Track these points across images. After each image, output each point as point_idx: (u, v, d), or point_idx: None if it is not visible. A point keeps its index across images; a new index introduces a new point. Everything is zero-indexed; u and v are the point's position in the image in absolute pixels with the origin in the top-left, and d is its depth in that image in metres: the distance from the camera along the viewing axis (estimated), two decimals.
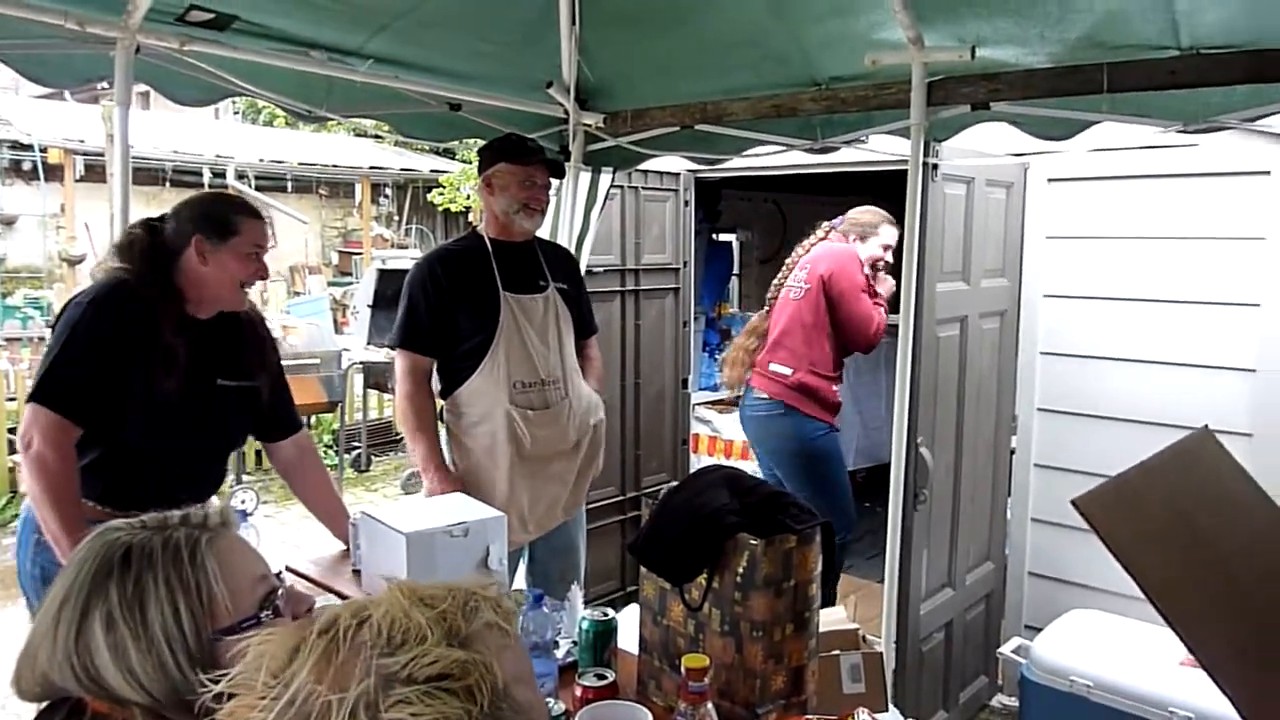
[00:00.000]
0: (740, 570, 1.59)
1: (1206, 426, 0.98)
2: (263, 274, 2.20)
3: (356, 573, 2.29)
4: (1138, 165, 3.26)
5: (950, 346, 3.05)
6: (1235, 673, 0.72)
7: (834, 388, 3.57)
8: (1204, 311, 3.19)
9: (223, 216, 2.13)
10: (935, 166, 2.76)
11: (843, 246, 3.58)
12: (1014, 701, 3.22)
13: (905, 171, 2.68)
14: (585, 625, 1.78)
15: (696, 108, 3.09)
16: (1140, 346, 3.33)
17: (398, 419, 3.07)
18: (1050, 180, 3.47)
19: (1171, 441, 3.16)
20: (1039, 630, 3.07)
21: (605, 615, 1.81)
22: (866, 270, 3.55)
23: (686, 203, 4.38)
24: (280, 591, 1.09)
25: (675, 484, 1.78)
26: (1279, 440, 2.86)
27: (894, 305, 2.83)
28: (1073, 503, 0.75)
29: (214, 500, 1.19)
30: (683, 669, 1.46)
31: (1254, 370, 3.09)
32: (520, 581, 2.86)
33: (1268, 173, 3.04)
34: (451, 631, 0.68)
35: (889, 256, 3.51)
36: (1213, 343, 3.18)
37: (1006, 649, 3.26)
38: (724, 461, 4.64)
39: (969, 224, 3.06)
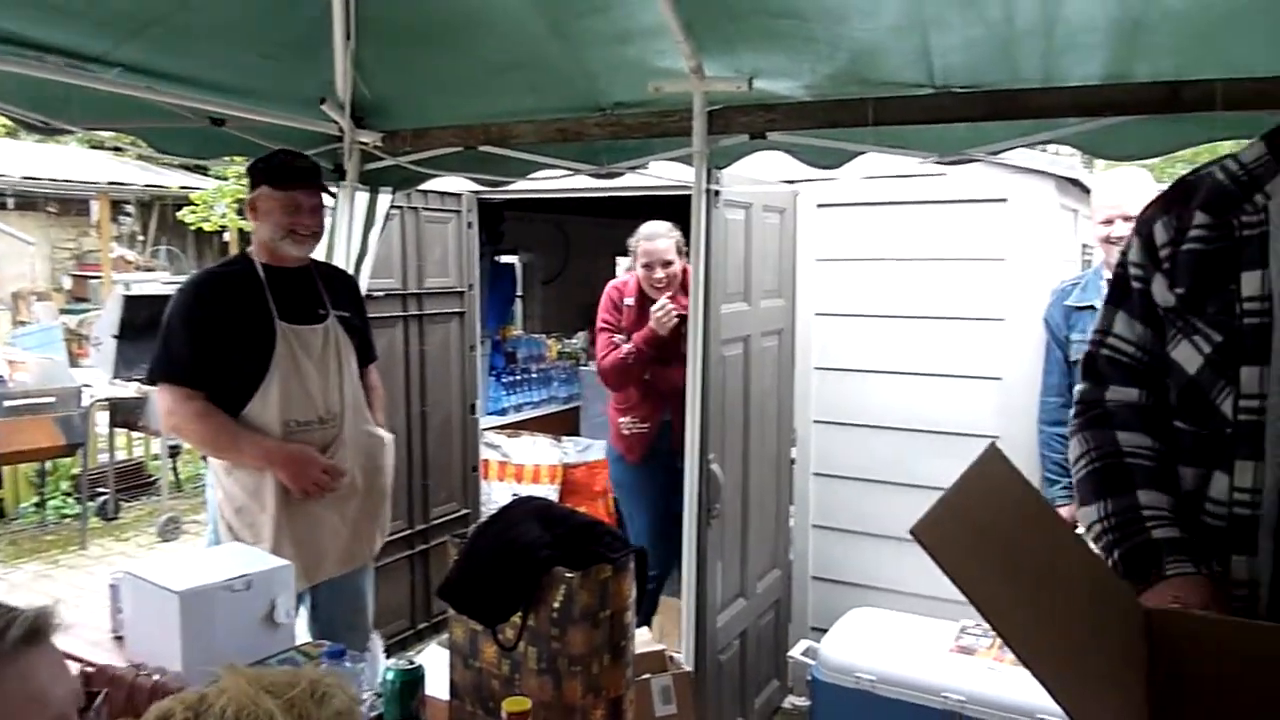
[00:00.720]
0: (556, 605, 1.55)
1: (994, 443, 1.05)
2: None
3: (119, 639, 2.05)
4: (895, 192, 3.54)
5: (735, 365, 3.16)
6: (1060, 673, 0.77)
7: (621, 419, 3.67)
8: (956, 326, 3.49)
9: None
10: (717, 193, 2.85)
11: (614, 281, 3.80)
12: (805, 702, 3.36)
13: (687, 197, 2.77)
14: (390, 676, 1.67)
15: (480, 129, 3.04)
16: (903, 359, 3.60)
17: (199, 448, 2.78)
18: (819, 206, 3.70)
19: (934, 446, 3.44)
20: (824, 631, 3.23)
21: (411, 664, 1.71)
22: (628, 301, 3.63)
23: (469, 224, 4.30)
24: None
25: (484, 520, 1.71)
26: (1022, 441, 3.17)
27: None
28: (911, 532, 0.77)
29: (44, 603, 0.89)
30: (504, 714, 1.40)
31: (1000, 379, 3.42)
32: (304, 632, 2.65)
33: (1005, 200, 3.38)
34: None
35: (659, 273, 3.53)
36: (965, 355, 3.49)
37: (796, 652, 3.41)
38: (515, 487, 4.58)
39: (749, 247, 3.19)
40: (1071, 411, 1.45)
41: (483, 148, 3.10)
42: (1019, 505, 1.06)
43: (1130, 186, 2.89)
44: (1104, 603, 1.07)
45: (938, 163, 2.71)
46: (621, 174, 3.22)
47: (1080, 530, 1.34)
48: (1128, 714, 0.91)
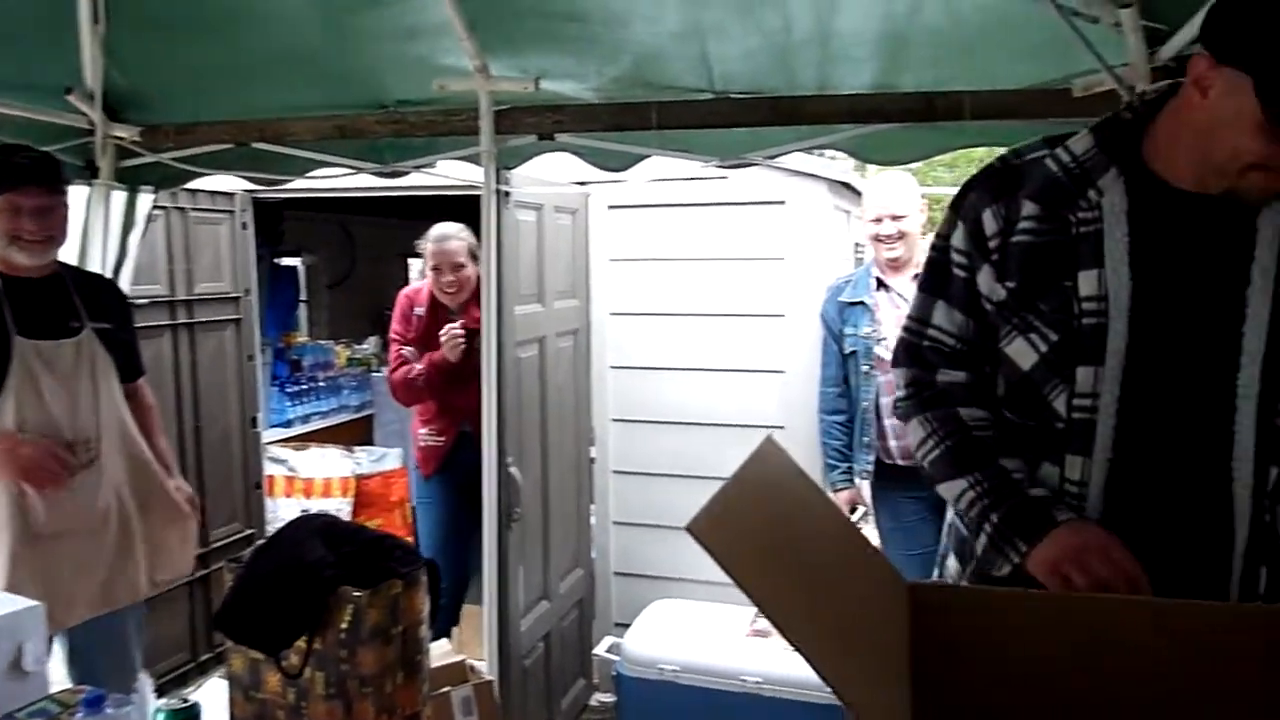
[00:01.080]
0: (344, 625, 1.48)
1: (770, 435, 1.08)
2: None
3: None
4: (682, 195, 3.64)
5: (531, 366, 3.14)
6: (831, 656, 0.81)
7: (421, 430, 3.52)
8: (742, 323, 3.64)
9: None
10: (507, 194, 2.83)
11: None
12: (611, 698, 3.40)
13: (477, 197, 2.73)
14: (160, 718, 1.54)
15: (253, 125, 2.87)
16: (694, 356, 3.71)
17: None
18: (610, 207, 3.75)
19: (724, 439, 3.56)
20: (628, 626, 3.27)
21: (185, 701, 1.57)
22: (419, 310, 3.46)
23: (244, 225, 4.04)
24: None
25: (262, 542, 1.61)
26: (804, 431, 3.34)
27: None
28: (687, 529, 0.78)
29: None
30: None
31: (783, 372, 3.59)
32: (61, 678, 2.39)
33: (783, 202, 3.55)
34: None
35: (448, 276, 3.39)
36: (750, 350, 3.64)
37: (600, 649, 3.45)
38: (305, 502, 4.35)
39: (541, 248, 3.17)
40: (901, 394, 1.42)
41: (256, 144, 2.92)
42: (794, 494, 1.11)
43: (897, 188, 3.11)
44: (872, 583, 1.13)
45: (719, 166, 2.80)
46: (407, 173, 3.13)
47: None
48: (894, 689, 0.97)
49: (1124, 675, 1.05)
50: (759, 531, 0.94)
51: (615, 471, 3.87)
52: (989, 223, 1.28)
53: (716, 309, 3.67)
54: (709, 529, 0.79)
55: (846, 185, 3.79)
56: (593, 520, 3.86)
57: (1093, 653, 1.06)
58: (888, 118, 2.49)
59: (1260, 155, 1.10)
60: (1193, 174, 1.20)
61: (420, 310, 3.47)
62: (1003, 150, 1.38)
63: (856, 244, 4.07)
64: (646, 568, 3.83)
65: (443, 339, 3.32)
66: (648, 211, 3.73)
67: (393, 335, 3.52)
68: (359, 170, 3.10)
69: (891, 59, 2.40)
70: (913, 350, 1.40)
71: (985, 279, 1.28)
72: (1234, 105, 1.10)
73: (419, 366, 3.38)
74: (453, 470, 3.47)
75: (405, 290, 3.61)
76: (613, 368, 3.82)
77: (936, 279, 1.36)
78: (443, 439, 3.47)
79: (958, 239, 1.32)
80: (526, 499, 3.03)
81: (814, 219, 3.58)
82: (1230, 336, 1.17)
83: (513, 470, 2.86)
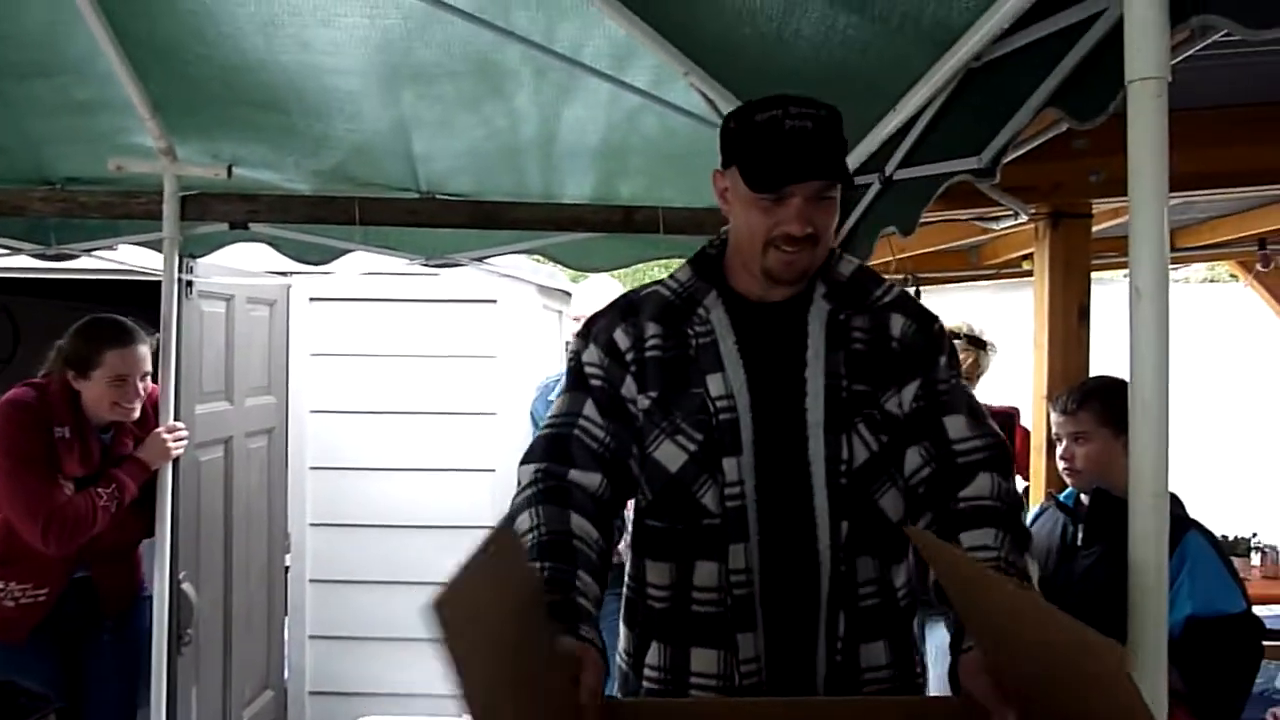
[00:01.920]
0: None
1: (499, 523, 1.05)
2: None
3: None
4: (392, 289, 3.56)
5: (215, 469, 2.89)
6: None
7: (7, 586, 2.38)
8: (453, 421, 3.58)
9: None
10: (190, 283, 2.63)
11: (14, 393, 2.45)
12: None
13: (159, 283, 2.52)
14: None
15: None
16: (401, 455, 3.59)
17: None
18: (312, 299, 3.58)
19: (434, 541, 3.44)
20: None
21: None
22: (62, 430, 2.37)
23: None
24: None
25: None
26: None
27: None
28: (431, 604, 0.71)
29: None
30: None
31: (494, 470, 3.55)
32: None
33: (495, 301, 3.57)
34: None
35: (134, 389, 2.42)
36: (461, 448, 3.58)
37: None
38: None
39: (230, 342, 2.97)
40: (526, 480, 1.37)
41: None
42: (523, 588, 1.07)
43: (605, 290, 3.23)
44: (571, 693, 1.10)
45: (424, 264, 2.78)
46: (76, 256, 2.84)
47: None
48: None
49: None
50: (490, 619, 0.88)
51: (313, 581, 3.61)
52: (621, 340, 1.39)
53: (426, 406, 3.58)
54: (449, 611, 0.72)
55: (558, 289, 3.88)
56: (286, 635, 3.56)
57: None
58: (591, 227, 2.60)
59: (766, 227, 1.29)
60: (746, 277, 1.38)
61: (65, 431, 2.38)
62: None
63: (567, 343, 4.16)
64: (347, 685, 3.57)
65: (170, 442, 2.47)
66: (354, 305, 3.61)
67: (25, 463, 2.34)
68: (16, 250, 2.78)
69: (611, 167, 2.48)
70: (557, 442, 1.38)
71: (629, 388, 1.38)
72: (738, 195, 1.32)
73: (109, 491, 2.38)
74: (52, 631, 2.42)
75: (15, 400, 2.41)
76: (312, 468, 3.60)
77: (580, 383, 1.41)
78: (45, 592, 2.40)
79: (590, 355, 1.40)
80: (205, 617, 2.76)
81: (525, 318, 3.62)
82: (800, 412, 1.33)
83: (185, 586, 2.59)
